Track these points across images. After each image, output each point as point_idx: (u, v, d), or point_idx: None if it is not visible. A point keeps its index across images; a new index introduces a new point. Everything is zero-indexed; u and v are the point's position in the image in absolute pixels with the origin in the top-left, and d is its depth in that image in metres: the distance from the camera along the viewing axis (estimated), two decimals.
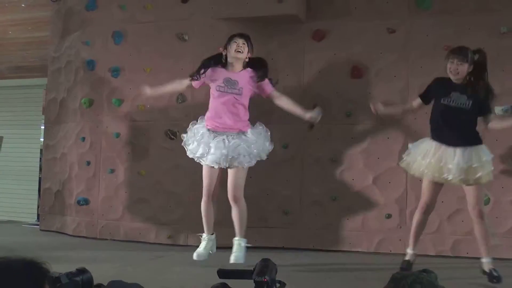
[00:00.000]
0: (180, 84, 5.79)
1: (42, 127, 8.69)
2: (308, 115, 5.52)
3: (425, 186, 5.09)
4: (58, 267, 2.24)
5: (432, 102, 5.15)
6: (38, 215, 8.69)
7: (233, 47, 5.39)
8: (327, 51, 6.56)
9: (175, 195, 6.74)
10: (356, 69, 6.46)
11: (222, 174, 5.52)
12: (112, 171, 7.12)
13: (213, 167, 5.43)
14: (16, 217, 8.75)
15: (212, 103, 5.49)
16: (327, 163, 6.49)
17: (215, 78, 5.47)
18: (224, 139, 5.34)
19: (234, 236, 5.43)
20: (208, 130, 5.43)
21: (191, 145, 5.49)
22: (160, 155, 6.85)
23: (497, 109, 5.93)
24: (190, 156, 5.50)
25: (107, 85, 7.22)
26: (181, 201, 6.69)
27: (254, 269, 2.35)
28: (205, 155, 5.37)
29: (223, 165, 5.37)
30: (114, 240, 6.98)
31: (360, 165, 6.41)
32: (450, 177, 4.86)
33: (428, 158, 4.96)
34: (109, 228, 7.10)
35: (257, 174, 5.93)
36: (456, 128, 4.94)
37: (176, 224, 6.73)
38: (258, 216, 6.33)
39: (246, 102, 5.48)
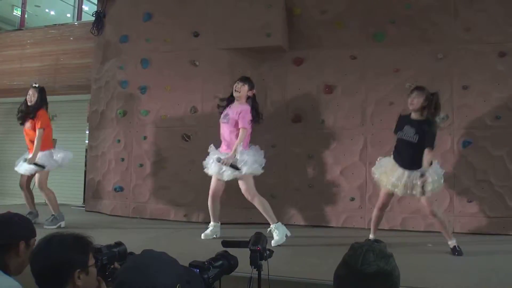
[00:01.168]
0: None
1: (87, 132, 8.65)
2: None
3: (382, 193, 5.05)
4: (99, 239, 2.25)
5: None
6: (84, 199, 8.65)
7: (233, 89, 5.40)
8: (305, 73, 6.55)
9: (189, 183, 6.71)
10: (327, 87, 6.44)
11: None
12: (141, 165, 7.09)
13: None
14: (67, 200, 8.67)
15: None
16: (305, 159, 6.48)
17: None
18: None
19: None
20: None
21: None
22: (177, 153, 6.84)
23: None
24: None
25: (136, 100, 7.19)
26: (194, 188, 6.67)
27: (249, 240, 2.36)
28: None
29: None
30: (142, 218, 6.94)
31: (330, 160, 6.40)
32: (398, 192, 4.82)
33: (385, 173, 4.92)
34: (139, 209, 7.07)
35: None
36: (406, 157, 4.81)
37: (190, 206, 6.71)
38: None
39: (233, 128, 5.35)
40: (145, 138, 7.09)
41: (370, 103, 6.27)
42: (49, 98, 6.41)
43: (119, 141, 7.34)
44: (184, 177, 6.74)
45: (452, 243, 4.74)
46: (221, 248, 2.25)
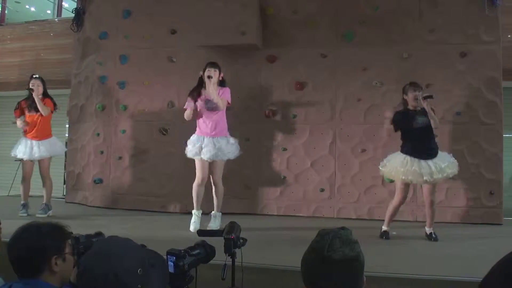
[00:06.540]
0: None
1: (67, 126, 8.51)
2: None
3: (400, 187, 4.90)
4: (79, 229, 2.21)
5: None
6: (64, 190, 8.51)
7: (206, 73, 5.14)
8: (277, 70, 6.54)
9: (166, 175, 6.67)
10: (298, 84, 6.45)
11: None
12: (120, 158, 7.01)
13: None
14: None
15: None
16: (278, 151, 6.49)
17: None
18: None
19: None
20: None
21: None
22: (155, 146, 6.77)
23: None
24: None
25: (115, 94, 7.09)
26: (171, 180, 6.63)
27: (224, 229, 2.36)
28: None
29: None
30: (121, 209, 6.84)
31: (302, 153, 6.42)
32: (414, 181, 4.81)
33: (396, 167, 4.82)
34: (118, 200, 6.98)
35: (227, 160, 5.90)
36: (427, 143, 4.84)
37: (167, 196, 6.66)
38: (228, 190, 6.31)
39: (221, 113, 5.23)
40: (123, 131, 7.00)
41: (339, 99, 6.31)
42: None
43: (98, 134, 7.23)
44: (162, 169, 6.68)
45: (429, 230, 4.88)
46: (197, 237, 2.24)
